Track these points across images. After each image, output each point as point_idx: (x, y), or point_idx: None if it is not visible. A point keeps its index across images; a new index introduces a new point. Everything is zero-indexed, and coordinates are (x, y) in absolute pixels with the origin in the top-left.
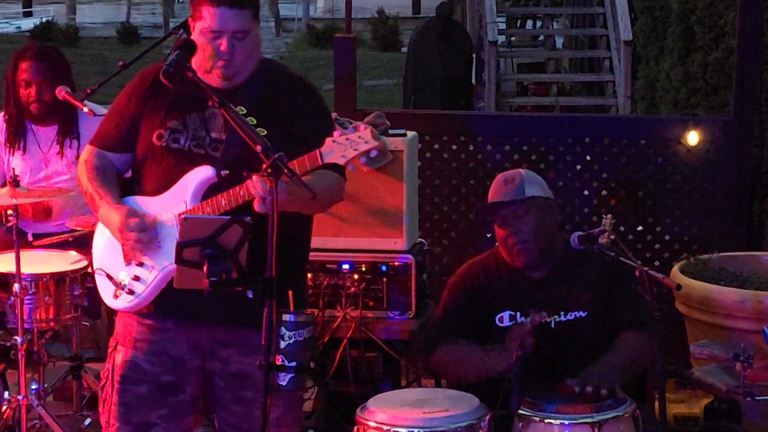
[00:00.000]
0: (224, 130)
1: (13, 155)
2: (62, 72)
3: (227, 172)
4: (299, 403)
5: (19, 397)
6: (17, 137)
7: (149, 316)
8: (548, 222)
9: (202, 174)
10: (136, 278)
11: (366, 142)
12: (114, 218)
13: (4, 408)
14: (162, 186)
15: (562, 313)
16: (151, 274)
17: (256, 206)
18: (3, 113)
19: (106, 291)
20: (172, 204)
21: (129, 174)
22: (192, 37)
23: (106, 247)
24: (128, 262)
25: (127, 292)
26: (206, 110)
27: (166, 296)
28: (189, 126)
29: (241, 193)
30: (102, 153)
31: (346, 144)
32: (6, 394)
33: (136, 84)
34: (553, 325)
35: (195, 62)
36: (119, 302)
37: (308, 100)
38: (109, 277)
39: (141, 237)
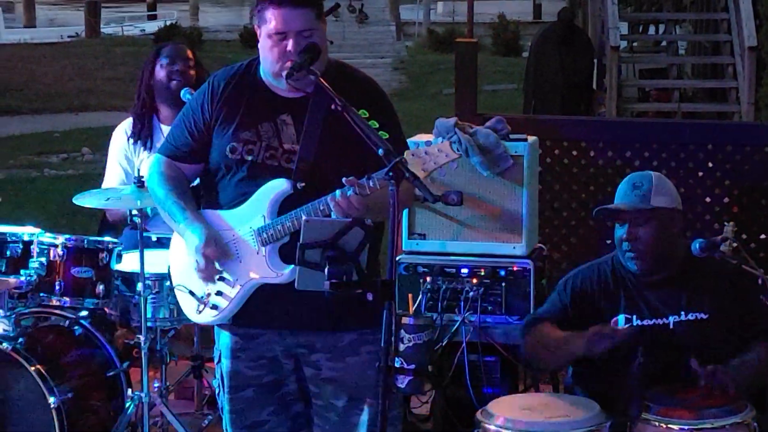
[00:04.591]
0: (296, 141)
1: (142, 152)
2: (199, 67)
3: (303, 184)
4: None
5: (142, 395)
6: (146, 135)
7: (240, 325)
8: (669, 233)
9: (278, 187)
10: (219, 293)
11: (446, 156)
12: (193, 238)
13: (128, 405)
14: (237, 199)
15: (682, 313)
16: (234, 289)
17: None
18: (132, 115)
19: (188, 306)
20: (249, 218)
21: (197, 182)
22: (259, 44)
23: (185, 262)
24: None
25: (210, 308)
26: (278, 119)
27: (249, 307)
28: (262, 136)
29: (321, 207)
30: (174, 164)
31: (426, 157)
32: (129, 392)
33: (208, 91)
34: (671, 326)
35: (264, 68)
36: (203, 317)
37: (378, 104)
38: (191, 293)
39: (212, 267)
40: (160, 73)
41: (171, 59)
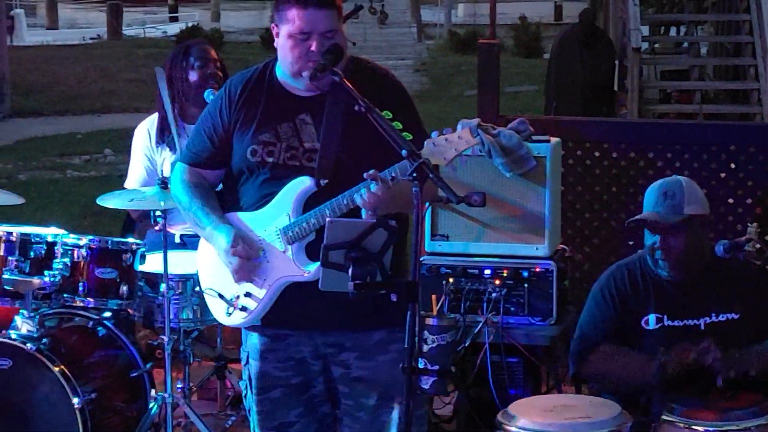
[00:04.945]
0: (316, 139)
1: (165, 151)
2: (223, 68)
3: (327, 181)
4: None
5: (165, 396)
6: (170, 136)
7: (268, 326)
8: (700, 240)
9: (301, 185)
10: (248, 294)
11: (466, 142)
12: (220, 241)
13: (151, 406)
14: (260, 200)
15: (713, 314)
16: (262, 290)
17: (365, 215)
18: (158, 114)
19: (218, 309)
20: (273, 218)
21: (220, 187)
22: (276, 43)
23: (213, 265)
24: (238, 279)
25: (239, 309)
26: (296, 119)
27: (278, 308)
28: (282, 137)
29: (345, 202)
30: (195, 171)
31: (446, 145)
32: (152, 392)
33: (225, 96)
34: (702, 327)
35: (282, 68)
36: (233, 319)
37: (397, 98)
38: (220, 296)
39: (246, 264)
40: (193, 75)
41: (203, 61)
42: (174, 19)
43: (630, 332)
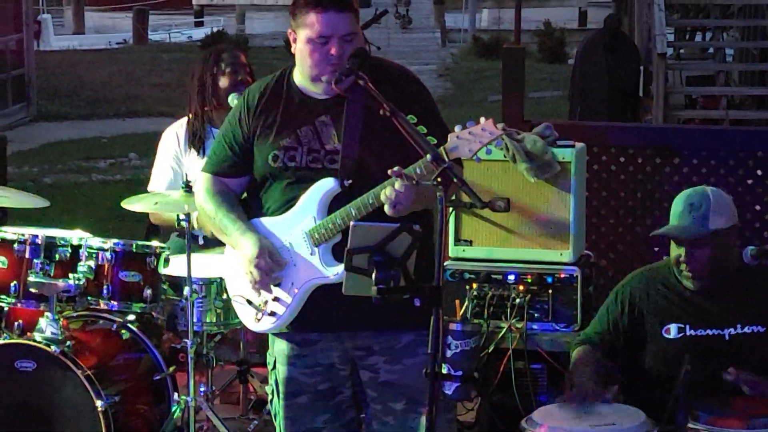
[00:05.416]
0: (337, 140)
1: (191, 154)
2: (252, 73)
3: (350, 181)
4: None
5: (188, 399)
6: (199, 140)
7: (295, 332)
8: (726, 252)
9: (326, 187)
10: (276, 299)
11: (490, 133)
12: (246, 250)
13: (174, 409)
14: (285, 204)
15: (739, 325)
16: (291, 294)
17: (388, 212)
18: (188, 117)
19: (247, 316)
20: (299, 221)
21: (245, 195)
22: (294, 49)
23: (240, 272)
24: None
25: (268, 314)
26: (316, 121)
27: (306, 312)
28: (302, 141)
29: (370, 200)
30: (219, 180)
31: (470, 138)
32: (175, 396)
33: (243, 105)
34: (727, 338)
35: (301, 72)
36: (262, 325)
37: (415, 93)
38: (249, 302)
39: (266, 279)
40: (224, 81)
41: (234, 68)
42: (199, 24)
43: (651, 341)
